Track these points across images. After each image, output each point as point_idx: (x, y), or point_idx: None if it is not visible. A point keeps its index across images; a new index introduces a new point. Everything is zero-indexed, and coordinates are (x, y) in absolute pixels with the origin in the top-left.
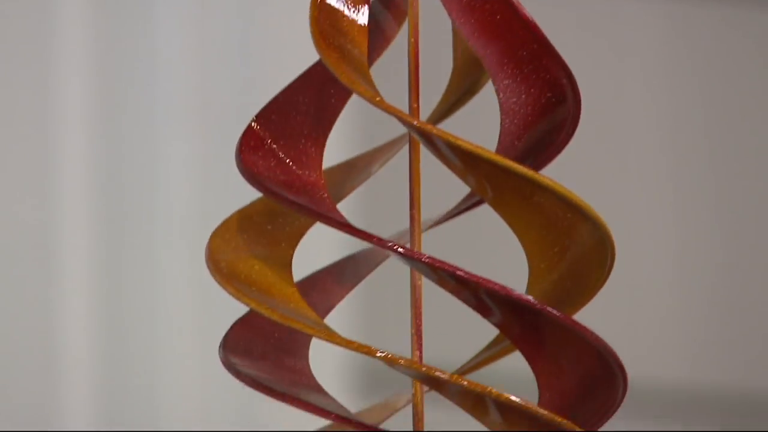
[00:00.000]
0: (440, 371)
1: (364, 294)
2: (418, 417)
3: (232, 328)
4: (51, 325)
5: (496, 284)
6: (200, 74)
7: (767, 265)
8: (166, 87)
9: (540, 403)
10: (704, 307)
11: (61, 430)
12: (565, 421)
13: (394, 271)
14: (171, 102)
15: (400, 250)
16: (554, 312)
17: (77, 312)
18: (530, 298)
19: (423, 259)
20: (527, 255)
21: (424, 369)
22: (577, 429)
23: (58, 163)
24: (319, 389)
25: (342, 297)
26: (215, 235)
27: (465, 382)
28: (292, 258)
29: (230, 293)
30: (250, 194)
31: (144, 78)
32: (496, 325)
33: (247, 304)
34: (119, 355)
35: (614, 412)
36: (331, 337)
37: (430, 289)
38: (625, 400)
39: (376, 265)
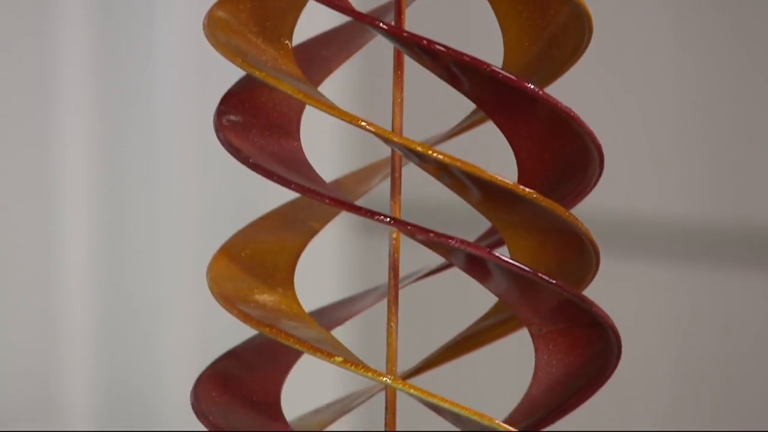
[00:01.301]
0: (417, 143)
1: (353, 71)
2: (395, 187)
3: (225, 97)
4: (51, 326)
5: (466, 55)
6: (198, 71)
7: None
8: (165, 85)
9: (519, 181)
10: (702, 139)
11: (62, 429)
12: (541, 197)
13: (379, 53)
14: (170, 99)
15: (383, 26)
16: (521, 83)
17: (77, 313)
18: (497, 68)
19: (402, 35)
20: (504, 33)
21: (397, 139)
22: (555, 205)
23: (59, 163)
24: (307, 166)
25: (337, 66)
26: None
27: (440, 156)
28: (292, 31)
29: (226, 57)
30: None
31: (143, 76)
32: (471, 97)
33: (241, 67)
34: (119, 355)
35: (591, 188)
36: (322, 105)
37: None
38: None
39: (366, 42)
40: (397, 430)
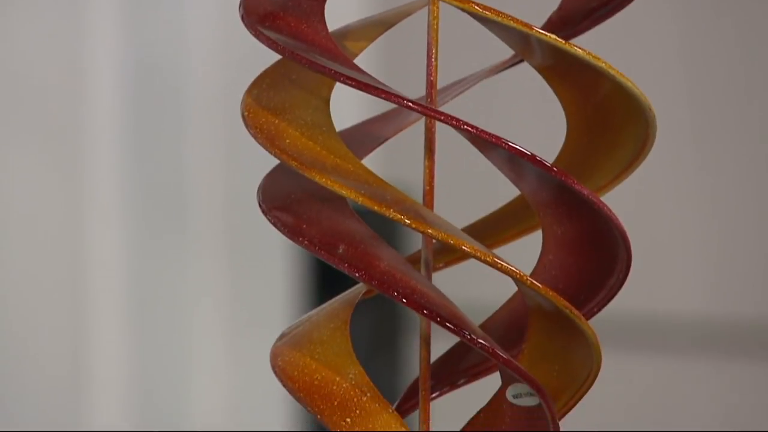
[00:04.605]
0: None
1: None
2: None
3: None
4: (82, 329)
5: None
6: (227, 62)
7: None
8: (193, 74)
9: None
10: None
11: (90, 430)
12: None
13: None
14: (198, 90)
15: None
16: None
17: (108, 317)
18: None
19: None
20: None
21: None
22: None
23: (89, 172)
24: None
25: None
26: None
27: None
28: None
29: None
30: None
31: (172, 66)
32: None
33: None
34: (149, 359)
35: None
36: None
37: None
38: None
39: None
40: None
